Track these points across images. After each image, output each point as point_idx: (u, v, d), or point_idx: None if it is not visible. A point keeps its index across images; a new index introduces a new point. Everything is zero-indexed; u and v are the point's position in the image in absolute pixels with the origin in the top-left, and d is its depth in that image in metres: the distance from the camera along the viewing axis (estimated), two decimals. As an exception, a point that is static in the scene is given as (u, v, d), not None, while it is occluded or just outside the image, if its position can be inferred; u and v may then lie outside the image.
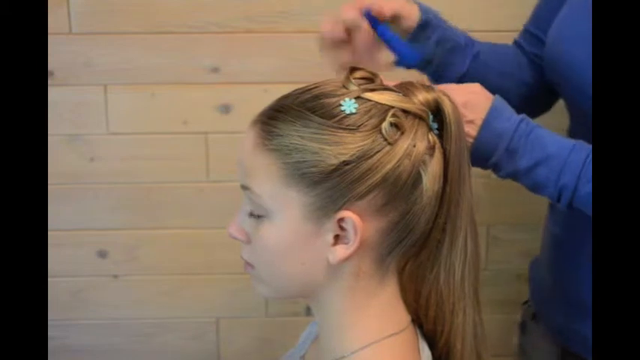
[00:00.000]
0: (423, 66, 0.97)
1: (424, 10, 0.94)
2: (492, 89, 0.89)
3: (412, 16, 0.93)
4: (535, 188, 0.86)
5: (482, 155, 0.85)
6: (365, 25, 0.88)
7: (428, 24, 0.94)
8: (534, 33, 1.05)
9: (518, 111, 0.89)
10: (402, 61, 0.92)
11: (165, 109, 1.40)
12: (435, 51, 0.96)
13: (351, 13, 0.88)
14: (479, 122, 0.84)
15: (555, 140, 0.85)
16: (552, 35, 0.97)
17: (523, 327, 1.14)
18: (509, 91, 1.00)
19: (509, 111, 0.86)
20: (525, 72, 1.05)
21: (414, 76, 0.91)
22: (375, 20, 0.89)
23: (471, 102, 0.84)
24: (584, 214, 0.84)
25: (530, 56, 1.06)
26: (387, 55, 0.91)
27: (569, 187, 0.83)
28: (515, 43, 1.09)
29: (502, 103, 0.86)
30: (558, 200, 0.85)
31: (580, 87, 0.91)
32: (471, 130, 0.84)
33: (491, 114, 0.84)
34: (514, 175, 0.86)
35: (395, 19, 0.92)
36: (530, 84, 1.05)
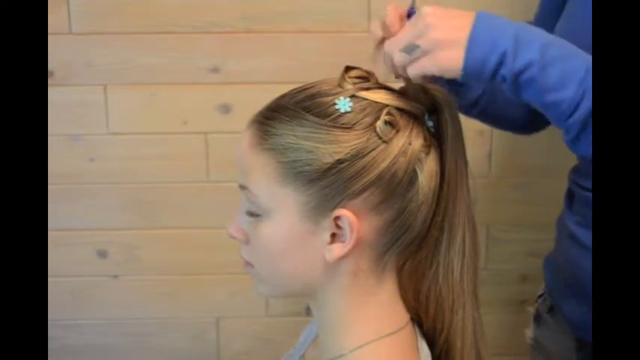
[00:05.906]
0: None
1: None
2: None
3: None
4: (548, 89, 0.69)
5: (481, 53, 0.68)
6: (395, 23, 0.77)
7: None
8: None
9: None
10: None
11: (165, 109, 1.40)
12: None
13: (392, 13, 0.78)
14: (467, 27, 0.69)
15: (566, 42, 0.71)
16: None
17: (538, 319, 1.14)
18: (517, 104, 0.99)
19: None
20: None
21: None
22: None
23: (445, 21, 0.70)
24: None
25: None
26: None
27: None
28: None
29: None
30: (574, 110, 0.69)
31: None
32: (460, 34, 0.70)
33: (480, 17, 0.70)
34: (525, 69, 0.68)
35: None
36: None
